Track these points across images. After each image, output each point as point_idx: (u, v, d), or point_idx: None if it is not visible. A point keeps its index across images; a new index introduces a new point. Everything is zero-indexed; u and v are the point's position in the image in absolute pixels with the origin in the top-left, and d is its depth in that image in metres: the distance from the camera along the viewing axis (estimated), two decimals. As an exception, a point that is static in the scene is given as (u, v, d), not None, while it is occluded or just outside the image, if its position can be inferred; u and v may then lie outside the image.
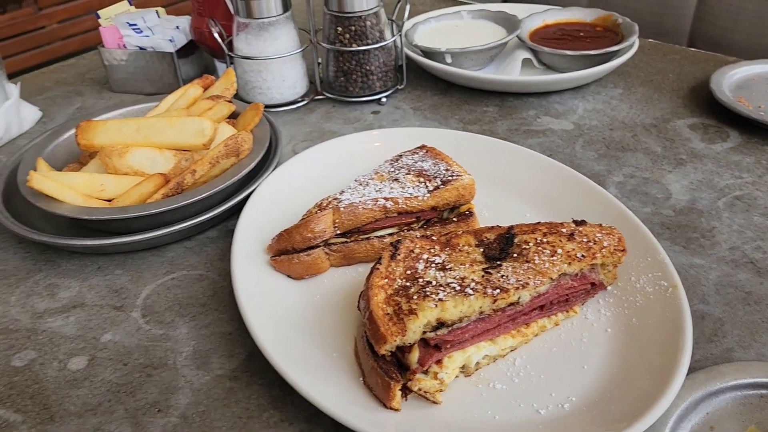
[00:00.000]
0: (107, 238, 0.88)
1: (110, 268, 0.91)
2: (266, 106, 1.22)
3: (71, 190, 0.90)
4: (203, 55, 1.40)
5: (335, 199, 0.87)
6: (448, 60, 1.29)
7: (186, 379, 0.74)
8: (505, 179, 0.98)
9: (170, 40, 1.30)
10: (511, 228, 0.79)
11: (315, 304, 0.81)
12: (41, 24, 3.66)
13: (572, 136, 1.16)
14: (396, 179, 0.90)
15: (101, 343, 0.79)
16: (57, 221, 0.95)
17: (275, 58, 1.21)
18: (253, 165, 0.96)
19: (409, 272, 0.75)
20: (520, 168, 0.99)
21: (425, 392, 0.67)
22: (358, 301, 0.77)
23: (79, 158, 1.04)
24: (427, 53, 1.32)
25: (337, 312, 0.79)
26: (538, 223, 0.80)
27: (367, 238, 0.86)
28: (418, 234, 0.87)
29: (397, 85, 1.31)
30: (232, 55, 1.22)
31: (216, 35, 1.21)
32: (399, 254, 0.76)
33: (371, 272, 0.75)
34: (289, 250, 0.84)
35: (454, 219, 0.89)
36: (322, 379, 0.69)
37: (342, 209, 0.84)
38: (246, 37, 1.21)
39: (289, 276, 0.84)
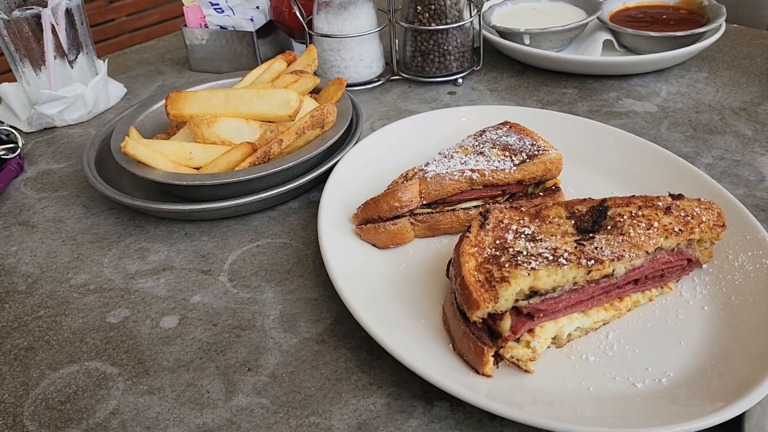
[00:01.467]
0: (195, 204, 0.90)
1: (197, 235, 0.93)
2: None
3: (162, 157, 0.92)
4: (281, 36, 1.42)
5: (421, 170, 0.87)
6: (526, 41, 1.28)
7: (274, 340, 0.75)
8: (590, 157, 0.96)
9: (250, 20, 1.32)
10: (604, 200, 0.77)
11: (400, 272, 0.81)
12: (111, 17, 3.78)
13: (656, 118, 1.12)
14: (481, 152, 0.89)
15: (191, 304, 0.81)
16: (146, 189, 0.98)
17: (354, 37, 1.21)
18: (337, 137, 0.96)
19: (498, 242, 0.74)
20: (606, 145, 0.97)
21: (517, 360, 0.67)
22: (447, 269, 0.77)
23: (167, 129, 1.06)
24: (505, 34, 1.30)
25: (423, 281, 0.79)
26: (633, 196, 0.78)
27: (453, 210, 0.85)
28: (505, 206, 0.86)
29: (473, 66, 1.29)
30: (312, 33, 1.23)
31: (297, 14, 1.22)
32: (488, 224, 0.76)
33: (461, 240, 0.74)
34: (375, 219, 0.84)
35: (540, 194, 0.88)
36: (412, 343, 0.69)
37: (428, 179, 0.84)
38: (326, 16, 1.22)
39: (374, 245, 0.84)
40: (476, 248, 0.73)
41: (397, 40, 1.30)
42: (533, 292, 0.68)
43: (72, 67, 1.20)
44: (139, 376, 0.72)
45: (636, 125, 1.10)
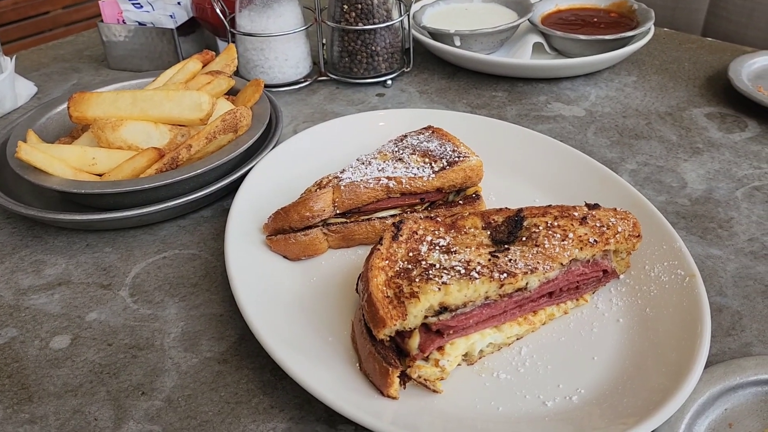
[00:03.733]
0: (96, 214, 0.84)
1: (99, 246, 0.87)
2: (268, 86, 1.18)
3: (61, 163, 0.86)
4: (204, 34, 1.36)
5: (336, 177, 0.83)
6: (457, 43, 1.25)
7: (173, 361, 0.70)
8: (513, 163, 0.94)
9: (171, 16, 1.26)
10: (520, 210, 0.75)
11: (311, 286, 0.77)
12: (45, 9, 3.62)
13: (584, 122, 1.11)
14: (400, 159, 0.86)
15: (86, 322, 0.75)
16: (46, 197, 0.91)
17: (278, 36, 1.17)
18: (251, 142, 0.92)
19: (411, 254, 0.71)
20: (530, 152, 0.95)
21: (425, 380, 0.63)
22: (357, 283, 0.73)
23: (71, 132, 1.00)
24: (435, 35, 1.28)
25: (335, 295, 0.75)
26: (549, 206, 0.76)
27: (368, 219, 0.82)
28: (421, 215, 0.83)
29: (403, 67, 1.26)
30: (234, 31, 1.18)
31: (218, 11, 1.17)
32: (401, 235, 0.72)
33: (371, 253, 0.71)
34: (286, 230, 0.80)
35: (460, 202, 0.85)
36: (316, 363, 0.65)
37: (342, 188, 0.80)
38: (249, 13, 1.17)
39: (285, 257, 0.80)
40: (387, 261, 0.70)
41: (324, 40, 1.26)
42: (443, 308, 0.64)
43: (-27, 64, 1.12)
44: (21, 403, 0.66)
45: (563, 130, 1.09)
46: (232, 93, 1.03)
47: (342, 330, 0.70)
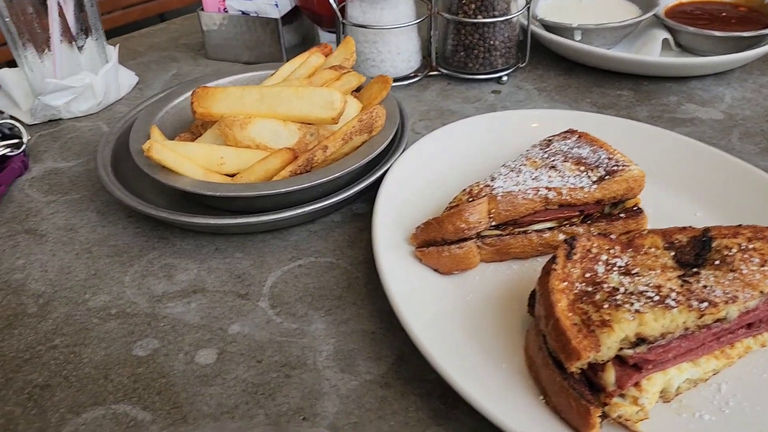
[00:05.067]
0: (229, 218, 0.79)
1: (229, 250, 0.82)
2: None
3: (190, 163, 0.81)
4: (305, 23, 1.31)
5: (487, 185, 0.77)
6: (578, 37, 1.18)
7: (330, 383, 0.65)
8: (666, 171, 0.86)
9: (275, 5, 1.21)
10: (707, 230, 0.68)
11: (468, 303, 0.71)
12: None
13: (725, 126, 1.03)
14: (553, 167, 0.79)
15: (229, 336, 0.71)
16: (168, 194, 0.87)
17: (393, 28, 1.11)
18: (386, 143, 0.86)
19: (588, 275, 0.65)
20: (683, 159, 0.88)
21: (626, 420, 0.58)
22: (530, 305, 0.67)
23: (190, 128, 0.95)
24: (553, 29, 1.20)
25: (496, 315, 0.69)
26: (740, 225, 0.69)
27: (524, 232, 0.76)
28: (581, 229, 0.77)
29: (518, 63, 1.19)
30: (346, 22, 1.13)
31: (332, 1, 1.11)
32: (575, 253, 0.66)
33: (546, 273, 0.65)
34: (437, 241, 0.74)
35: (622, 215, 0.78)
36: (496, 393, 0.60)
37: (499, 198, 0.74)
38: (361, 4, 1.11)
39: (435, 270, 0.75)
40: (565, 283, 0.64)
41: (436, 32, 1.19)
42: (640, 339, 0.58)
43: (80, 54, 1.08)
44: (177, 424, 0.62)
45: (704, 134, 1.01)
46: (356, 89, 0.97)
47: (514, 355, 0.64)
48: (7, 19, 1.02)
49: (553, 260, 0.66)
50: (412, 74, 1.17)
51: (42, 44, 1.05)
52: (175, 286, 0.77)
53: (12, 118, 1.04)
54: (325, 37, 1.28)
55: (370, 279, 0.77)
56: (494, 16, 1.11)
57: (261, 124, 0.85)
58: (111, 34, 1.19)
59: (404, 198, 0.82)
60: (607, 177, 0.77)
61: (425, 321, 0.66)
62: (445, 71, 1.18)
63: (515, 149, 0.89)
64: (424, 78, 1.19)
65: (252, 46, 1.26)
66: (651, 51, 1.17)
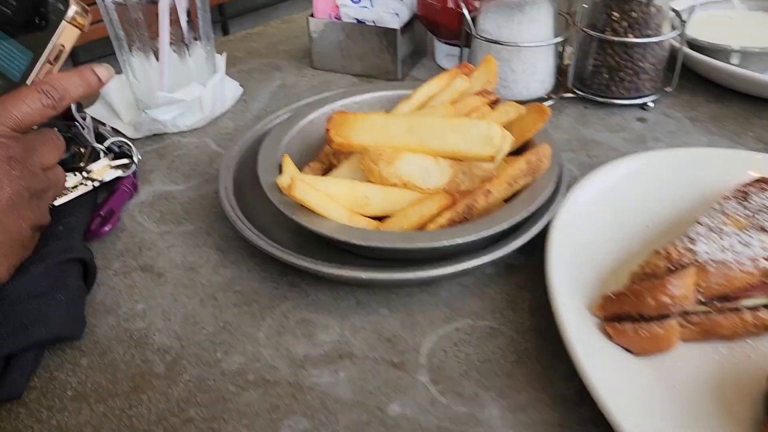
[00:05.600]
0: (377, 271, 0.69)
1: (372, 305, 0.72)
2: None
3: (336, 204, 0.71)
4: (417, 33, 1.20)
5: (689, 250, 0.65)
6: (735, 60, 1.05)
7: (522, 491, 0.55)
8: None
9: (395, 14, 1.10)
10: None
11: (679, 397, 0.59)
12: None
13: None
14: (762, 228, 0.67)
15: (390, 418, 0.61)
16: (294, 231, 0.77)
17: (532, 47, 0.99)
18: (552, 188, 0.75)
19: None
20: None
21: None
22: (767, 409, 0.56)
23: (319, 156, 0.85)
24: (706, 50, 1.08)
25: (716, 414, 0.58)
26: None
27: (736, 309, 0.64)
28: (807, 311, 0.65)
29: (664, 87, 1.07)
30: (478, 37, 1.01)
31: (465, 11, 1.00)
32: (821, 349, 0.55)
33: (792, 375, 0.53)
34: (630, 315, 0.63)
35: None
36: None
37: (711, 269, 0.63)
38: (494, 17, 1.00)
39: (626, 349, 0.63)
40: (815, 387, 0.52)
41: (571, 49, 1.07)
42: None
43: (189, 62, 0.99)
44: None
45: None
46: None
47: (750, 474, 0.53)
48: (116, 22, 0.93)
49: (794, 357, 0.54)
50: (546, 96, 1.06)
51: (149, 52, 0.96)
52: (317, 348, 0.68)
53: (114, 130, 0.96)
54: (442, 49, 1.17)
55: (542, 353, 0.66)
56: (647, 35, 0.98)
57: (410, 160, 0.75)
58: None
59: (576, 253, 0.71)
60: (831, 246, 0.65)
61: (635, 418, 0.55)
62: (581, 93, 1.06)
63: (696, 196, 0.77)
64: (558, 101, 1.07)
65: (363, 57, 1.16)
66: (822, 81, 1.03)
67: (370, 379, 0.64)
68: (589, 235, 0.74)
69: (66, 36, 0.73)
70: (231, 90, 1.09)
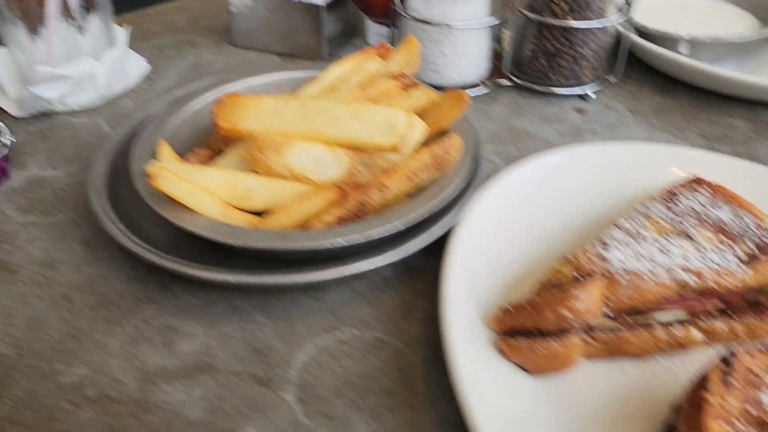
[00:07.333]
0: (251, 274, 0.60)
1: (247, 311, 0.64)
2: (438, 89, 0.92)
3: (208, 197, 0.62)
4: (349, 12, 1.10)
5: (600, 257, 0.57)
6: (684, 50, 0.97)
7: None
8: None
9: (320, -11, 1.01)
10: None
11: (573, 424, 0.52)
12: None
13: None
14: (686, 234, 0.59)
15: (243, 445, 0.52)
16: (174, 229, 0.68)
17: (465, 29, 0.90)
18: (462, 185, 0.67)
19: (751, 409, 0.46)
20: None
21: None
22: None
23: (208, 141, 0.76)
24: (653, 38, 1.00)
25: (613, 446, 0.50)
26: None
27: (648, 325, 0.56)
28: (722, 325, 0.57)
29: (608, 77, 0.99)
30: (408, 16, 0.92)
31: (390, -12, 0.91)
32: (734, 376, 0.47)
33: (697, 406, 0.45)
34: (528, 330, 0.55)
35: (775, 308, 0.58)
36: None
37: (621, 280, 0.54)
38: (425, -6, 0.91)
39: (521, 367, 0.55)
40: (723, 423, 0.44)
41: (509, 33, 0.99)
42: None
43: (81, 35, 0.89)
44: None
45: None
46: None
47: None
48: (-5, -11, 0.83)
49: (703, 384, 0.47)
50: (480, 83, 0.97)
51: (35, 22, 0.86)
52: (175, 360, 0.59)
53: (-5, 112, 0.86)
54: (373, 29, 1.08)
55: (431, 369, 0.58)
56: (588, 19, 0.90)
57: (302, 149, 0.66)
58: (119, 9, 0.99)
59: (481, 259, 0.63)
60: (759, 255, 0.57)
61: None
62: (518, 81, 0.98)
63: (623, 195, 0.69)
64: (493, 88, 0.98)
65: (286, 35, 1.06)
66: (772, 73, 0.95)
67: (229, 397, 0.56)
68: (499, 237, 0.66)
69: None
70: (134, 66, 0.99)
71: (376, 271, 0.68)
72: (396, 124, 0.65)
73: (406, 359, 0.59)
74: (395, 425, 0.54)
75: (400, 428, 0.53)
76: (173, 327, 0.62)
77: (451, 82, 0.95)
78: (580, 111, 0.94)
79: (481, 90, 0.96)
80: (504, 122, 0.92)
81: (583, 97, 0.97)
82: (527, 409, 0.52)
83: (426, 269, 0.68)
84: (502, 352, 0.56)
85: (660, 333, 0.56)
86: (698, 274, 0.55)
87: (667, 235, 0.60)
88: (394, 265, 0.68)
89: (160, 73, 1.02)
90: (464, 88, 0.95)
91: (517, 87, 0.99)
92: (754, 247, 0.58)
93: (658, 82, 1.01)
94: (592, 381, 0.55)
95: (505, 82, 0.99)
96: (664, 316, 0.57)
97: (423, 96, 0.71)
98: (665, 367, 0.56)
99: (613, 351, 0.56)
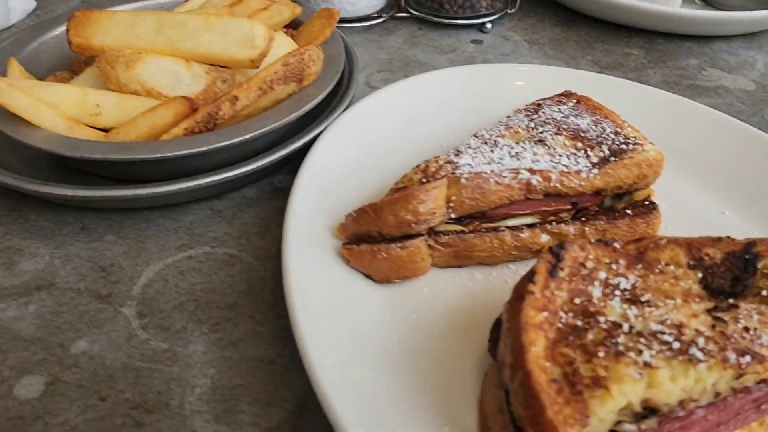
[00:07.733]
0: (96, 189, 0.58)
1: (99, 231, 0.61)
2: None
3: (51, 110, 0.59)
4: (251, -52, 1.07)
5: (449, 162, 0.56)
6: (581, -20, 0.96)
7: (197, 438, 0.45)
8: (687, 154, 0.66)
9: None
10: (751, 245, 0.48)
11: (408, 329, 0.51)
12: None
13: (757, 99, 0.83)
14: (540, 140, 0.58)
15: (71, 356, 0.50)
16: (31, 152, 0.65)
17: (352, -46, 0.88)
18: (321, 97, 0.65)
19: (578, 301, 0.45)
20: (711, 139, 0.68)
21: None
22: (491, 339, 0.47)
23: (71, 65, 0.73)
24: (552, -31, 0.98)
25: (445, 349, 0.49)
26: (798, 239, 0.49)
27: (495, 229, 0.55)
28: (572, 229, 0.56)
29: (506, 8, 0.97)
30: (293, -57, 0.89)
31: None
32: (563, 268, 0.46)
33: (520, 297, 0.44)
34: (373, 237, 0.54)
35: (627, 211, 0.58)
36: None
37: (464, 181, 0.53)
38: None
39: (367, 276, 0.54)
40: (545, 313, 0.44)
41: (407, -35, 0.97)
42: (648, 409, 0.39)
43: (-50, -37, 0.85)
44: (-42, 496, 0.42)
45: (731, 108, 0.81)
46: (292, 26, 0.75)
47: (464, 415, 0.45)
48: None
49: (530, 277, 0.46)
50: (375, 15, 0.95)
51: None
52: (14, 279, 0.57)
53: None
54: (274, -35, 1.05)
55: (279, 283, 0.56)
56: (479, -54, 0.88)
57: (155, 63, 0.63)
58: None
59: (338, 173, 0.61)
60: (612, 159, 0.57)
61: (340, 355, 0.46)
62: (415, 13, 0.96)
63: (494, 115, 0.68)
64: (390, 20, 0.96)
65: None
66: (669, 1, 0.95)
67: (64, 313, 0.54)
68: (359, 153, 0.65)
69: None
70: (19, 3, 0.94)
71: (241, 192, 0.66)
72: (254, 37, 0.63)
73: (256, 274, 0.58)
74: (233, 336, 0.52)
75: (238, 340, 0.52)
76: (17, 248, 0.59)
77: (344, 13, 0.92)
78: (476, 42, 0.93)
79: (375, 21, 0.94)
80: (397, 52, 0.90)
81: (481, 29, 0.95)
82: (367, 317, 0.51)
83: (290, 189, 0.66)
84: (346, 260, 0.54)
85: (507, 237, 0.55)
86: (544, 176, 0.54)
87: (523, 142, 0.58)
88: (257, 186, 0.67)
89: (47, 10, 0.98)
90: (360, 20, 0.94)
91: (415, 20, 0.97)
92: (607, 152, 0.57)
93: (559, 15, 1.00)
94: (437, 287, 0.54)
95: (402, 14, 0.96)
96: (514, 221, 0.56)
97: (285, 10, 0.69)
98: (516, 272, 0.56)
99: (461, 257, 0.55)
